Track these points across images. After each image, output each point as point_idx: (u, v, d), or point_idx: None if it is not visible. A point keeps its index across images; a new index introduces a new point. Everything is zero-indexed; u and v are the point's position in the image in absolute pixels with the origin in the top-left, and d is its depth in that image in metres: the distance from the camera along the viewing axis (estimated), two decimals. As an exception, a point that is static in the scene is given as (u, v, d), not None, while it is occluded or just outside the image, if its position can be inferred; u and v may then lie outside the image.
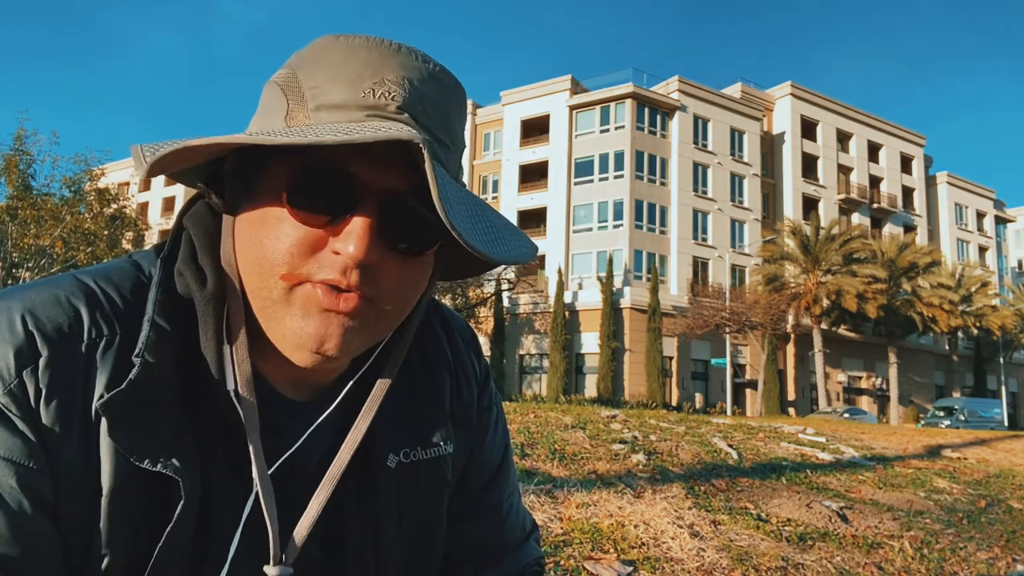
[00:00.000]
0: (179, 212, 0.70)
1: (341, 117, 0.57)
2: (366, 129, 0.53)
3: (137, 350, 0.59)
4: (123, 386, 0.57)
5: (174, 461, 0.58)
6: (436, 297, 0.88)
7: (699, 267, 38.65)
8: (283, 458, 0.66)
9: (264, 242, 0.59)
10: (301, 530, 0.65)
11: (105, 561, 0.58)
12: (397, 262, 0.61)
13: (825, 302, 35.92)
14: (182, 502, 0.58)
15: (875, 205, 46.75)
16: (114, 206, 22.99)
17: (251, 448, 0.62)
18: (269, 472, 0.64)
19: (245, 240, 0.61)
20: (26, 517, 0.55)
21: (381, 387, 0.70)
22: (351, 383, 0.70)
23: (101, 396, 0.57)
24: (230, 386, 0.62)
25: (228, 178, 0.65)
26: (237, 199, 0.63)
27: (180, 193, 49.40)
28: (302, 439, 0.68)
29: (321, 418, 0.69)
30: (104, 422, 0.57)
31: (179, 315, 0.62)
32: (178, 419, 0.60)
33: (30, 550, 0.55)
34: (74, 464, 0.57)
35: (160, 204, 52.54)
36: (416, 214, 0.60)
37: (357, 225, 0.58)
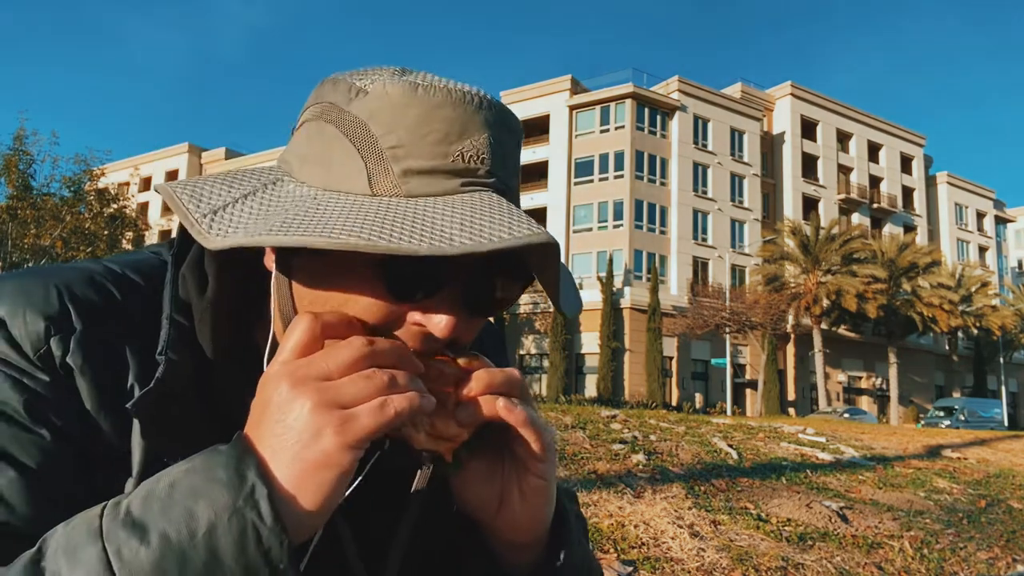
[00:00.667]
0: None
1: (435, 186, 0.55)
2: (494, 227, 0.51)
3: (160, 348, 0.59)
4: (151, 385, 0.57)
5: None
6: None
7: (699, 267, 38.65)
8: (353, 486, 0.57)
9: (338, 308, 0.56)
10: (392, 569, 0.67)
11: None
12: (472, 324, 0.60)
13: (825, 302, 35.94)
14: None
15: (875, 205, 46.76)
16: (114, 206, 22.99)
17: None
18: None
19: (309, 296, 0.58)
20: (53, 438, 0.55)
21: None
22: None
23: (130, 387, 0.59)
24: None
25: None
26: (297, 252, 0.58)
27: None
28: (361, 475, 0.60)
29: (379, 452, 0.64)
30: (137, 422, 0.58)
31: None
32: (205, 416, 0.61)
33: (52, 467, 0.55)
34: (108, 437, 0.58)
35: (160, 204, 52.53)
36: (503, 283, 0.59)
37: (444, 302, 0.56)
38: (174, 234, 0.70)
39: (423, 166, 0.54)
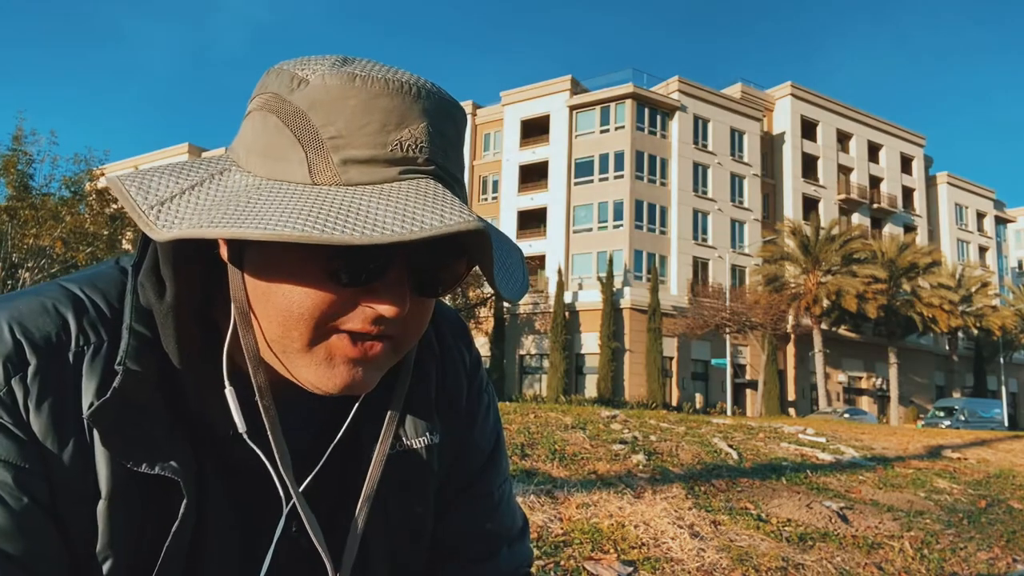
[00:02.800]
0: None
1: (374, 175, 0.56)
2: (427, 214, 0.52)
3: (119, 358, 0.59)
4: (108, 395, 0.58)
5: (172, 463, 0.59)
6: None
7: (699, 267, 38.65)
8: (310, 477, 0.68)
9: (288, 296, 0.58)
10: (347, 560, 0.68)
11: (108, 563, 0.59)
12: (422, 304, 0.62)
13: (825, 302, 35.93)
14: (185, 500, 0.60)
15: (875, 205, 46.76)
16: (114, 206, 22.96)
17: (294, 498, 0.64)
18: (300, 489, 0.66)
19: (262, 289, 0.59)
20: (26, 514, 0.56)
21: (399, 397, 0.73)
22: (357, 404, 0.71)
23: (91, 404, 0.58)
24: (241, 428, 0.62)
25: None
26: (247, 244, 0.60)
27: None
28: (324, 458, 0.70)
29: (339, 435, 0.70)
30: (97, 431, 0.58)
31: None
32: (171, 422, 0.61)
33: (32, 547, 0.56)
34: (70, 469, 0.58)
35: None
36: (445, 264, 0.61)
37: (393, 284, 0.58)
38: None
39: (362, 155, 0.55)
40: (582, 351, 35.64)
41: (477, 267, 0.61)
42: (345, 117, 0.56)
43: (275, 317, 0.59)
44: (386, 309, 0.58)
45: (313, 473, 0.68)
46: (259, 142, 0.59)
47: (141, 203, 0.56)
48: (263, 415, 0.62)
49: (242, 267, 0.60)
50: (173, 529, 0.60)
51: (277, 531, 0.66)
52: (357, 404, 0.71)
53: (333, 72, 0.57)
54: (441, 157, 0.59)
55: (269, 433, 0.62)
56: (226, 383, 0.62)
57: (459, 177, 0.62)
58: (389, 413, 0.71)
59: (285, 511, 0.66)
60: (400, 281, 0.58)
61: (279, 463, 0.63)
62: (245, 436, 0.62)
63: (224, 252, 0.61)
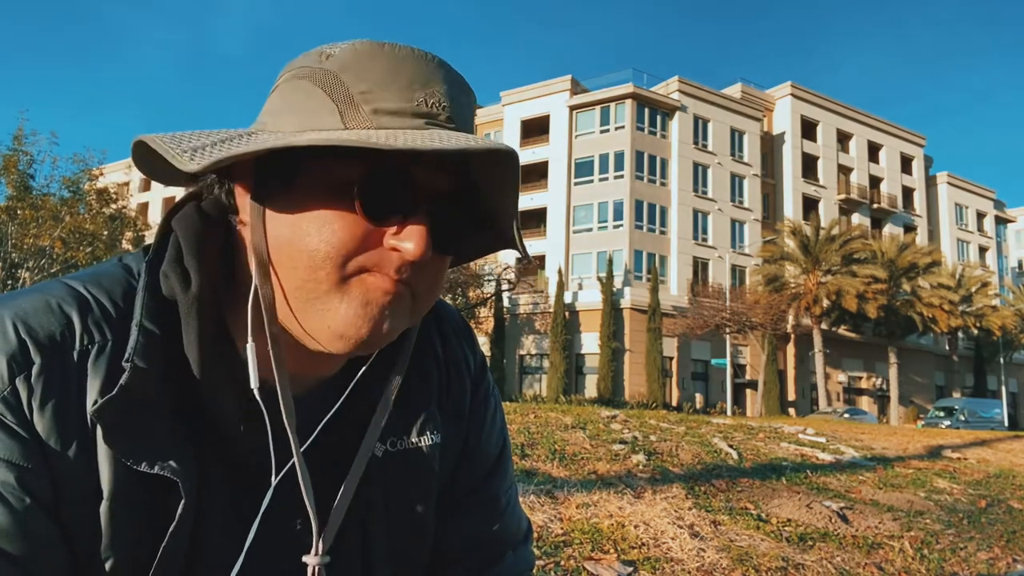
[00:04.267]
0: (166, 214, 0.69)
1: (403, 123, 0.58)
2: (456, 137, 0.56)
3: (127, 355, 0.59)
4: (114, 392, 0.57)
5: (171, 463, 0.59)
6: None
7: (699, 267, 38.65)
8: (304, 446, 0.68)
9: (319, 236, 0.59)
10: (334, 521, 0.67)
11: (109, 562, 0.59)
12: (440, 260, 0.65)
13: (825, 302, 35.93)
14: (183, 501, 0.60)
15: (875, 205, 46.75)
16: (113, 206, 22.98)
17: (295, 453, 0.64)
18: (284, 469, 0.66)
19: (287, 236, 0.60)
20: (28, 515, 0.56)
21: (395, 382, 0.72)
22: (360, 372, 0.71)
23: (95, 402, 0.58)
24: (254, 384, 0.62)
25: (258, 173, 0.63)
26: (269, 193, 0.62)
27: (180, 193, 49.22)
28: (315, 433, 0.69)
29: (330, 414, 0.70)
30: (100, 428, 0.58)
31: (168, 318, 0.62)
32: (171, 421, 0.61)
33: (33, 547, 0.56)
34: (73, 469, 0.58)
35: (160, 204, 52.53)
36: (464, 219, 0.64)
37: (418, 226, 0.60)
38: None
39: (391, 107, 0.58)
40: (582, 351, 35.63)
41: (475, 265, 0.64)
42: (374, 75, 0.59)
43: (301, 261, 0.59)
44: (408, 248, 0.59)
45: (311, 439, 0.69)
46: (288, 104, 0.61)
47: (174, 149, 0.57)
48: (274, 366, 0.62)
49: (264, 220, 0.62)
50: (170, 529, 0.60)
51: (268, 494, 0.65)
52: (349, 393, 0.71)
53: (362, 41, 0.61)
54: (459, 119, 0.61)
55: (277, 383, 0.62)
56: (249, 338, 0.62)
57: None
58: (383, 399, 0.71)
59: (278, 476, 0.66)
60: (425, 227, 0.60)
61: (284, 414, 0.62)
62: (256, 393, 0.62)
63: (245, 203, 0.63)
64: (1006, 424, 36.38)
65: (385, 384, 0.72)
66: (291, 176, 0.61)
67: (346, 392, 0.70)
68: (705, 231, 39.38)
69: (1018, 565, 3.83)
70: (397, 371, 0.72)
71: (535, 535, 3.16)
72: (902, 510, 4.94)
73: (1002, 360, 46.32)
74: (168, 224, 0.68)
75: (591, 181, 38.38)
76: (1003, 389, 46.50)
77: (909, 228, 48.51)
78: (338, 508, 0.68)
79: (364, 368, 0.71)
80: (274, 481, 0.65)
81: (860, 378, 43.21)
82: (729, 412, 30.17)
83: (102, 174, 23.13)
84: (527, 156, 40.61)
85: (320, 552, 0.66)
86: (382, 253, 0.60)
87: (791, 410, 37.16)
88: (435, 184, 0.61)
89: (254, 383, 0.62)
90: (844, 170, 46.44)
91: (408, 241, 0.59)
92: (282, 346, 0.63)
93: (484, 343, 35.58)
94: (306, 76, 0.61)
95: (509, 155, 0.57)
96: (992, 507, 5.56)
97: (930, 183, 52.00)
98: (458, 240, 0.65)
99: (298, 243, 0.60)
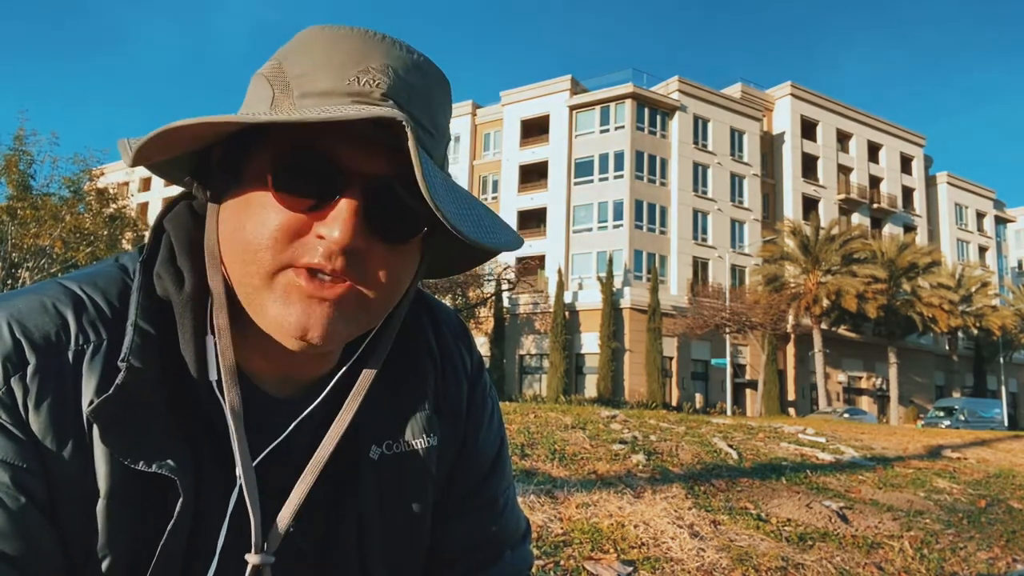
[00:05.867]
0: (159, 214, 0.70)
1: (328, 103, 0.57)
2: (349, 109, 0.54)
3: (122, 355, 0.59)
4: (110, 392, 0.57)
5: (169, 461, 0.59)
6: (436, 297, 0.89)
7: (699, 267, 38.64)
8: (268, 449, 0.67)
9: (248, 227, 0.59)
10: (284, 517, 0.65)
11: (107, 561, 0.59)
12: (383, 249, 0.61)
13: (825, 302, 35.92)
14: (181, 499, 0.60)
15: (875, 205, 46.75)
16: (114, 206, 22.97)
17: (233, 437, 0.62)
18: (254, 464, 0.65)
19: (229, 229, 0.61)
20: (24, 514, 0.56)
21: (365, 379, 0.70)
22: (338, 375, 0.70)
23: (91, 402, 0.58)
24: (212, 377, 0.62)
25: (215, 168, 0.64)
26: (223, 188, 0.63)
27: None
28: (288, 430, 0.68)
29: (307, 411, 0.69)
30: (96, 428, 0.58)
31: (163, 317, 0.63)
32: (168, 420, 0.61)
33: (30, 547, 0.56)
34: (69, 468, 0.58)
35: (160, 204, 52.52)
36: (402, 199, 0.60)
37: (342, 209, 0.58)
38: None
39: (320, 88, 0.58)
40: (582, 351, 35.63)
41: (462, 273, 0.64)
42: (312, 59, 0.60)
43: (240, 254, 0.60)
44: (333, 233, 0.57)
45: (272, 446, 0.67)
46: (246, 99, 0.64)
47: (130, 142, 0.59)
48: (219, 357, 0.62)
49: (217, 214, 0.63)
50: (168, 528, 0.59)
51: (232, 497, 0.64)
52: (357, 404, 0.70)
53: (311, 27, 0.63)
54: (403, 99, 0.59)
55: (223, 376, 0.62)
56: (208, 331, 0.63)
57: (426, 126, 0.62)
58: (351, 395, 0.69)
59: (235, 493, 0.65)
60: (352, 209, 0.58)
61: (226, 409, 0.62)
62: (215, 385, 0.62)
63: (210, 206, 0.65)
64: (1006, 424, 36.39)
65: (360, 381, 0.71)
66: (238, 169, 0.62)
67: (323, 394, 0.69)
68: (705, 231, 39.37)
69: (1018, 565, 3.83)
70: (371, 366, 0.71)
71: (535, 535, 3.16)
72: (902, 510, 4.94)
73: (1002, 360, 46.31)
74: (161, 224, 0.68)
75: (591, 181, 38.37)
76: (1003, 389, 46.49)
77: (909, 228, 48.50)
78: (288, 507, 0.66)
79: (343, 370, 0.71)
80: (241, 479, 0.63)
81: (860, 378, 43.21)
82: (729, 412, 30.17)
83: (102, 174, 23.11)
84: (527, 156, 40.62)
85: (264, 551, 0.64)
86: (311, 242, 0.59)
87: (791, 410, 37.15)
88: (370, 167, 0.59)
89: (212, 375, 0.62)
90: (844, 170, 46.43)
91: (330, 226, 0.58)
92: (227, 340, 0.62)
93: (484, 343, 35.59)
94: (263, 70, 0.63)
95: (396, 124, 0.55)
96: (992, 507, 5.56)
97: (930, 183, 51.99)
98: (402, 223, 0.61)
99: (237, 235, 0.60)
